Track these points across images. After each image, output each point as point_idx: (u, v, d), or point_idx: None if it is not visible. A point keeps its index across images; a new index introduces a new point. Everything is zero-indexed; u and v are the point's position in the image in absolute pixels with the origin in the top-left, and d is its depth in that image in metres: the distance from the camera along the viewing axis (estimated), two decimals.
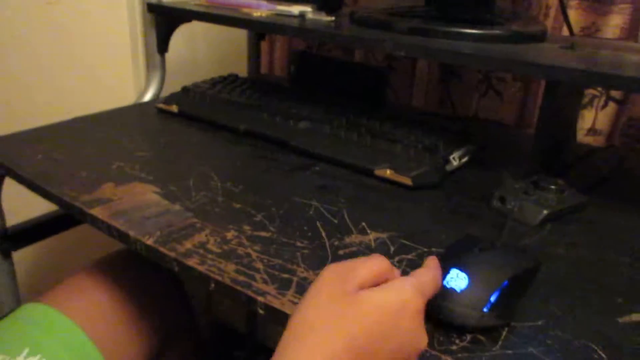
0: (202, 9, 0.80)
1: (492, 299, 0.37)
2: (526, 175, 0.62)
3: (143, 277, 0.65)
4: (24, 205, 0.87)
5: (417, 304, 0.33)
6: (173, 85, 0.86)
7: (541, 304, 0.42)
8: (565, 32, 0.82)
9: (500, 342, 0.37)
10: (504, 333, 0.38)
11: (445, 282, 0.38)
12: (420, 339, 0.33)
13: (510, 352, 0.36)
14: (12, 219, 0.74)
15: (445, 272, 0.39)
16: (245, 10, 0.79)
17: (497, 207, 0.56)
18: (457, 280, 0.38)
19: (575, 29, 0.79)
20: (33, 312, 0.57)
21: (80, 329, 0.56)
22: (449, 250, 0.44)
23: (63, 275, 0.63)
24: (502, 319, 0.38)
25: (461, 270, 0.39)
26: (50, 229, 0.78)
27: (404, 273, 0.44)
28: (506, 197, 0.56)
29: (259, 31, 1.02)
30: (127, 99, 0.88)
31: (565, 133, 0.72)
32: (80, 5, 0.88)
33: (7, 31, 0.99)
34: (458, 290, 0.38)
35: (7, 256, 0.73)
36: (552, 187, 0.57)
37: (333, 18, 0.75)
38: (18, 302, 0.77)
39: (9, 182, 0.65)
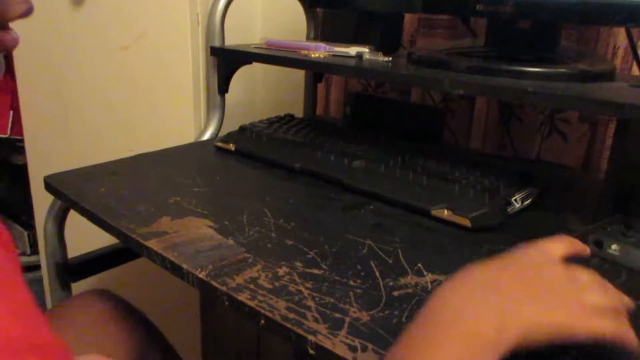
0: (262, 52, 0.83)
1: None
2: (595, 220, 0.58)
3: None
4: (85, 238, 0.90)
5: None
6: (232, 125, 0.89)
7: None
8: (635, 72, 0.78)
9: None
10: None
11: None
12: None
13: None
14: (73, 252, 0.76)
15: None
16: (304, 52, 0.81)
17: (594, 251, 0.53)
18: None
19: None
20: None
21: None
22: None
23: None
24: None
25: None
26: (109, 262, 0.80)
27: None
28: (603, 241, 0.52)
29: (318, 71, 1.03)
30: (187, 136, 0.91)
31: (637, 176, 0.68)
32: (148, 49, 0.93)
33: (82, 73, 1.06)
34: None
35: (66, 287, 0.75)
36: None
37: (390, 58, 0.75)
38: None
39: (72, 215, 0.68)
